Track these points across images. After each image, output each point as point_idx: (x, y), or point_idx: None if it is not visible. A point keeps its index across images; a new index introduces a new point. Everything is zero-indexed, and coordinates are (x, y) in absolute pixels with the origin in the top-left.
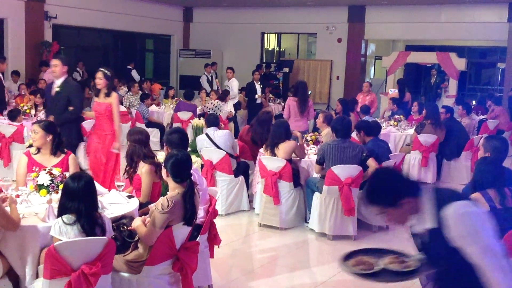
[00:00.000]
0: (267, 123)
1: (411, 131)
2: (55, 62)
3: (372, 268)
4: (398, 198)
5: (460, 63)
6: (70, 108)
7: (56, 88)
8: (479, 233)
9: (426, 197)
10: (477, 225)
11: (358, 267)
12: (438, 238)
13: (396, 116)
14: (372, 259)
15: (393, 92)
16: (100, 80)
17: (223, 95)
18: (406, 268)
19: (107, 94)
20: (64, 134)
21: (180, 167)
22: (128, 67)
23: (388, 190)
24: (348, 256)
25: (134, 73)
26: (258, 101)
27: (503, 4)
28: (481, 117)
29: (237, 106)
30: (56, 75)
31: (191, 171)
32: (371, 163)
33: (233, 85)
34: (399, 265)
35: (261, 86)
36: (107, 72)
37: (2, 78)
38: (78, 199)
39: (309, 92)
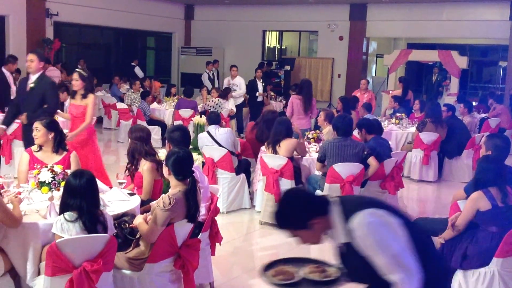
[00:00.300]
0: (272, 123)
1: (413, 129)
2: (31, 57)
3: (292, 278)
4: (307, 219)
5: (461, 61)
6: (45, 106)
7: (30, 84)
8: (387, 242)
9: (335, 212)
10: (385, 234)
11: (278, 277)
12: (353, 251)
13: (398, 114)
14: (293, 269)
15: (394, 91)
16: (76, 81)
17: (224, 93)
18: (326, 277)
19: (84, 96)
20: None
21: (182, 165)
22: (132, 64)
23: (296, 214)
24: (269, 266)
25: (138, 70)
26: (259, 99)
27: (505, 2)
28: (483, 115)
29: (243, 104)
30: (31, 70)
31: (193, 169)
32: (372, 162)
33: (241, 83)
34: (319, 275)
35: (263, 84)
36: (83, 73)
37: (9, 77)
38: (80, 196)
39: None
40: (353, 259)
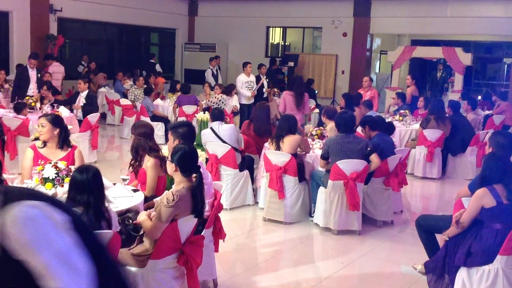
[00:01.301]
0: (266, 112)
1: (417, 126)
2: None
3: None
4: None
5: (466, 58)
6: None
7: None
8: (49, 238)
9: None
10: (47, 229)
11: None
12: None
13: (402, 111)
14: None
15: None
16: None
17: (229, 89)
18: None
19: None
20: None
21: (188, 160)
22: (151, 61)
23: None
24: None
25: (158, 67)
26: (265, 95)
27: None
28: (487, 112)
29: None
30: None
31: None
32: (374, 159)
33: (255, 80)
34: None
35: (267, 80)
36: None
37: (32, 72)
38: (87, 191)
39: (316, 92)
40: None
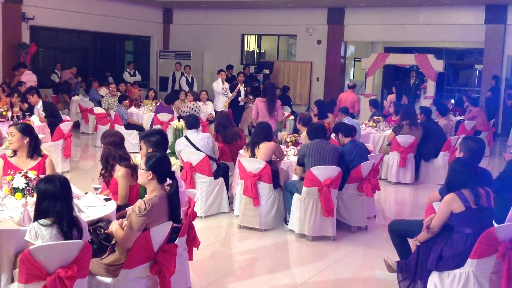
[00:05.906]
0: (228, 118)
1: (390, 131)
2: None
3: None
4: None
5: (438, 65)
6: None
7: None
8: None
9: None
10: None
11: None
12: None
13: (375, 117)
14: None
15: (389, 96)
16: None
17: (198, 96)
18: None
19: None
20: None
21: (162, 166)
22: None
23: None
24: None
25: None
26: (241, 103)
27: (480, 6)
28: (459, 118)
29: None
30: None
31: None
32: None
33: (228, 87)
34: None
35: (245, 88)
36: None
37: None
38: (61, 200)
39: (291, 102)
40: None
